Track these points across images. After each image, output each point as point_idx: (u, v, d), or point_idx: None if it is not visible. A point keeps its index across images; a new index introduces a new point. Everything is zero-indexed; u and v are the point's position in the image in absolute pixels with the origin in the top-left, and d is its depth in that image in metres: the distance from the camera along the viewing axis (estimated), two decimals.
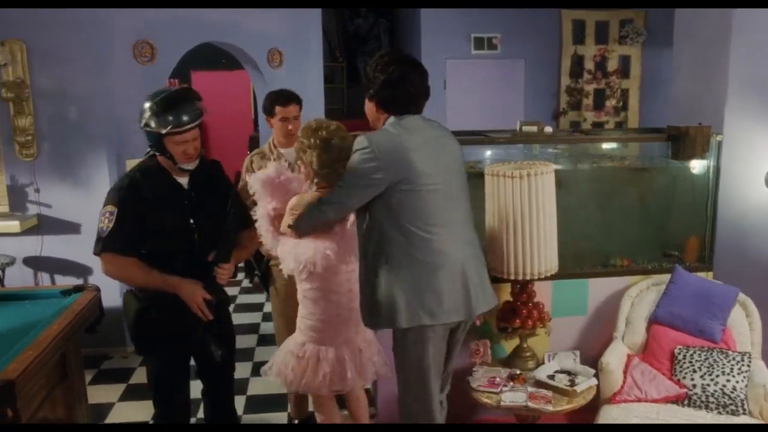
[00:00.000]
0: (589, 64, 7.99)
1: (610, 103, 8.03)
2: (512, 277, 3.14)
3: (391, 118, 2.62)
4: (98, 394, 4.15)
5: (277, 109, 3.58)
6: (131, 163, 4.74)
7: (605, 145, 4.11)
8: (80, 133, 4.64)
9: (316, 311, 2.91)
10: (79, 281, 4.73)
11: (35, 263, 4.76)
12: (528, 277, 3.12)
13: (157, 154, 2.72)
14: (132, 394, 4.25)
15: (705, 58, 3.96)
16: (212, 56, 7.03)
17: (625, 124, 8.03)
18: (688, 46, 4.14)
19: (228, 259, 2.77)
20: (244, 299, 6.12)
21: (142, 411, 3.96)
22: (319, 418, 3.15)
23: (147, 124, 2.65)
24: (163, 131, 2.60)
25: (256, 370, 4.52)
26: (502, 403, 2.99)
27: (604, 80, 7.99)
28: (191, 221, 2.75)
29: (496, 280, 3.23)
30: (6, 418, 2.39)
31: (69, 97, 4.59)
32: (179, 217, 2.74)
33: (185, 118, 2.61)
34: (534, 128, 3.69)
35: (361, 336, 2.99)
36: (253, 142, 6.65)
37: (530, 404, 2.94)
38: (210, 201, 2.80)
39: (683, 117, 3.96)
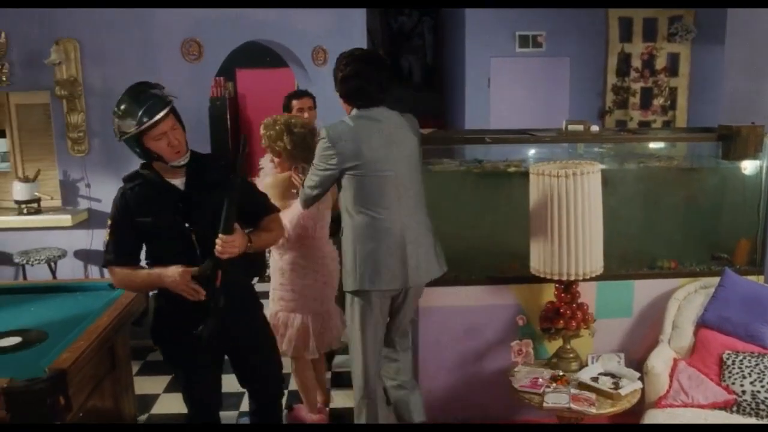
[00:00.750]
0: (636, 62, 7.85)
1: (658, 101, 7.88)
2: (556, 278, 3.11)
3: (354, 111, 2.95)
4: (144, 384, 4.23)
5: (294, 102, 4.29)
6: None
7: (652, 145, 4.03)
8: None
9: (285, 282, 3.40)
10: None
11: (85, 256, 4.88)
12: (572, 278, 3.09)
13: (147, 160, 2.58)
14: (176, 386, 4.31)
15: (758, 56, 3.85)
16: (257, 54, 7.12)
17: (673, 123, 7.87)
18: (740, 44, 4.04)
19: (228, 231, 2.45)
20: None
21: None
22: (295, 379, 3.65)
23: (121, 132, 2.49)
24: (135, 130, 2.44)
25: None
26: (544, 405, 2.96)
27: (651, 78, 7.84)
28: (186, 224, 2.55)
29: (539, 279, 3.21)
30: (59, 406, 2.46)
31: (119, 95, 4.65)
32: (171, 220, 2.55)
33: (155, 108, 2.43)
34: (580, 127, 3.64)
35: (326, 307, 3.47)
36: None
37: (573, 406, 2.91)
38: (209, 199, 2.55)
39: (734, 116, 3.87)
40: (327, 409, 3.94)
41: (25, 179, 4.74)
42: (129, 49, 4.65)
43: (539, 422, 3.49)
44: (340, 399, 4.14)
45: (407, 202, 2.94)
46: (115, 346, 3.33)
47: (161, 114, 2.43)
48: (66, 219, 4.63)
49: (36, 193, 4.75)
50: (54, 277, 4.70)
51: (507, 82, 7.76)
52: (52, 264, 4.67)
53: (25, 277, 4.80)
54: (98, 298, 3.38)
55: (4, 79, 4.62)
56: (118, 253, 2.58)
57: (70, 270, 4.79)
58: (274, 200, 2.99)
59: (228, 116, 8.41)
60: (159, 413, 3.98)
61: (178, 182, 2.59)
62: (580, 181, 2.98)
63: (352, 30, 6.03)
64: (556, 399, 2.97)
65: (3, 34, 4.59)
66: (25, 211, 4.72)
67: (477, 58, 7.45)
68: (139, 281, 2.61)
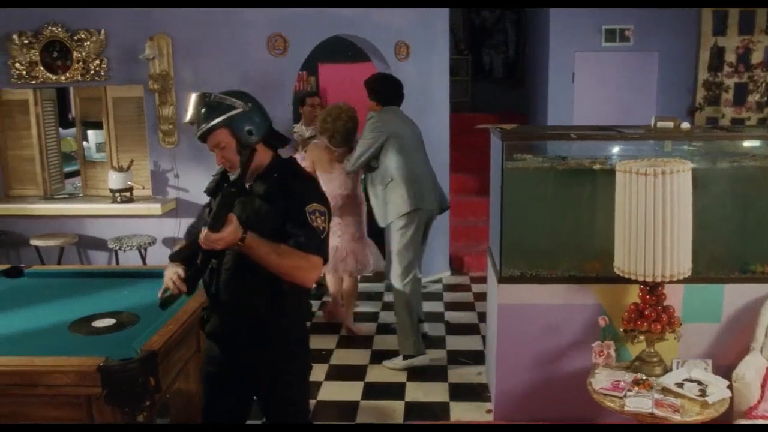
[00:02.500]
0: (730, 57, 7.50)
1: (753, 98, 7.50)
2: (641, 279, 3.02)
3: (382, 108, 4.49)
4: None
5: (307, 99, 5.83)
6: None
7: (747, 143, 3.86)
8: None
9: (337, 230, 4.73)
10: None
11: (173, 243, 5.07)
12: (658, 280, 2.99)
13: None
14: None
15: None
16: (339, 49, 7.19)
17: None
18: None
19: (215, 228, 2.21)
20: (364, 288, 6.24)
21: None
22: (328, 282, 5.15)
23: None
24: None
25: (375, 357, 4.62)
26: (626, 408, 2.89)
27: (746, 74, 7.47)
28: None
29: (623, 280, 3.12)
30: (149, 386, 2.57)
31: (208, 88, 4.78)
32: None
33: (198, 126, 2.35)
34: (670, 124, 3.52)
35: (361, 245, 4.91)
36: None
37: (657, 412, 2.83)
38: (265, 207, 2.37)
39: None
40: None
41: (120, 169, 4.97)
42: (217, 45, 4.79)
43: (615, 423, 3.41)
44: None
45: (421, 158, 4.55)
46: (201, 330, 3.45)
47: (197, 135, 2.36)
48: (156, 207, 4.82)
49: (129, 183, 4.97)
50: (144, 262, 4.91)
51: (592, 77, 7.56)
52: (143, 250, 4.88)
53: (117, 262, 5.04)
54: None
55: (102, 73, 4.86)
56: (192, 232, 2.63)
57: (158, 256, 4.99)
58: (321, 169, 4.68)
59: None
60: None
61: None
62: (669, 180, 2.88)
63: (435, 24, 6.02)
64: (639, 403, 2.89)
65: (102, 32, 4.82)
66: (118, 199, 4.95)
67: (561, 52, 7.30)
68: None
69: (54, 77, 4.92)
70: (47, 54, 4.87)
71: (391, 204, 4.42)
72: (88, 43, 4.82)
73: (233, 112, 2.33)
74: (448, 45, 6.30)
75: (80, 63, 4.84)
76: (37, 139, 5.30)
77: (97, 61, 4.83)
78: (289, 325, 2.54)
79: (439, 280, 6.39)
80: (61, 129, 6.18)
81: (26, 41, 4.86)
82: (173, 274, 2.40)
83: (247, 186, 2.42)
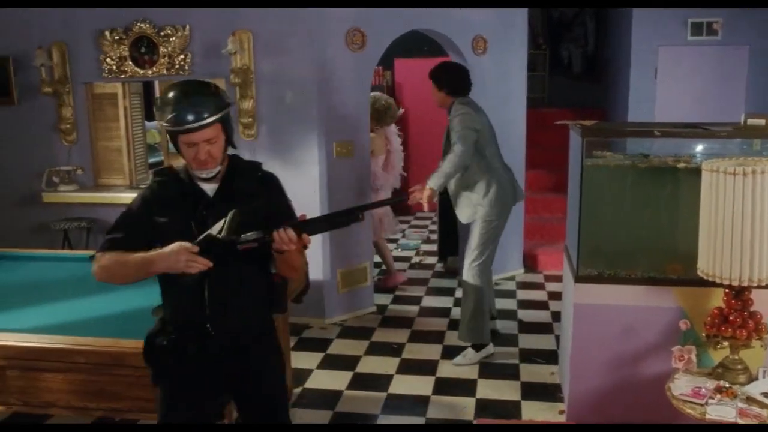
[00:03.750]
0: None
1: None
2: (726, 282, 2.90)
3: (459, 99, 4.41)
4: (299, 360, 4.46)
5: None
6: (339, 145, 5.05)
7: None
8: (294, 116, 4.97)
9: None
10: None
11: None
12: (745, 284, 2.86)
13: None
14: (329, 364, 4.51)
15: None
16: (416, 43, 7.19)
17: None
18: None
19: (309, 231, 2.17)
20: (435, 283, 6.24)
21: (337, 380, 4.21)
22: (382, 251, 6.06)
23: (161, 124, 2.23)
24: (166, 126, 2.19)
25: (446, 353, 4.62)
26: (707, 416, 2.78)
27: None
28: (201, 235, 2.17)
29: (706, 283, 3.01)
30: None
31: (286, 83, 4.94)
32: (186, 227, 2.21)
33: (189, 116, 2.13)
34: (761, 121, 3.36)
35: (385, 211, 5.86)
36: None
37: (741, 421, 2.72)
38: (255, 206, 2.25)
39: None
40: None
41: None
42: (297, 39, 4.87)
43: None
44: None
45: (497, 150, 4.52)
46: (275, 322, 3.52)
47: (192, 126, 2.14)
48: None
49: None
50: None
51: (676, 72, 7.30)
52: None
53: None
54: None
55: (186, 68, 5.01)
56: (120, 243, 2.25)
57: None
58: (378, 153, 5.82)
59: None
60: (312, 387, 4.17)
61: (209, 188, 2.29)
62: (759, 180, 2.75)
63: (513, 19, 5.94)
64: (721, 412, 2.78)
65: (187, 27, 4.97)
66: None
67: (643, 46, 7.08)
68: (130, 264, 2.19)
69: (141, 71, 5.12)
70: (135, 49, 5.06)
71: (476, 201, 4.39)
72: (174, 38, 4.98)
73: (227, 109, 2.25)
74: (526, 39, 6.20)
75: (166, 58, 5.01)
76: (124, 130, 5.52)
77: (182, 56, 5.00)
78: (272, 320, 2.51)
79: (512, 278, 6.32)
80: (146, 122, 6.43)
81: (117, 37, 5.07)
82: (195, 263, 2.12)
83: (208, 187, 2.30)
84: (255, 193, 2.30)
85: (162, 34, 5.00)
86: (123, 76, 5.16)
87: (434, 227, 8.20)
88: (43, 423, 3.63)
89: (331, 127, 5.00)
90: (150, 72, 5.10)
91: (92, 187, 5.53)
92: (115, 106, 5.42)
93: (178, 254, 2.09)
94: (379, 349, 4.71)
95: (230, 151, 2.34)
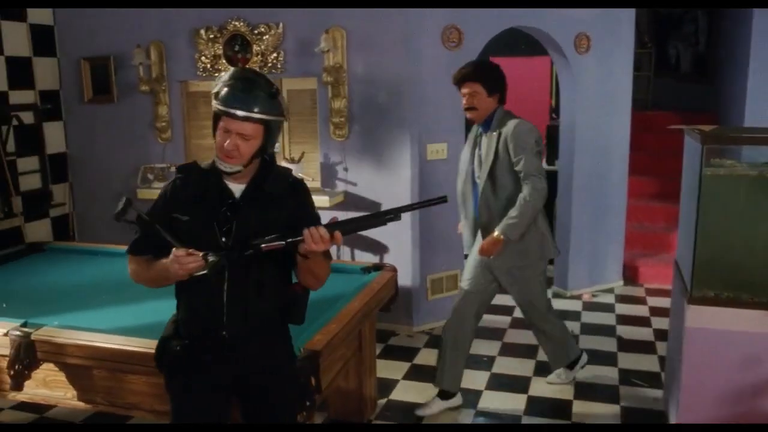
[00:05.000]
0: None
1: None
2: None
3: (501, 108, 3.64)
4: (385, 369, 4.30)
5: None
6: (432, 148, 4.87)
7: None
8: (387, 116, 4.83)
9: None
10: (376, 258, 4.97)
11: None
12: None
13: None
14: (415, 374, 4.34)
15: None
16: (512, 42, 6.92)
17: None
18: None
19: (341, 230, 2.12)
20: None
21: (423, 393, 4.03)
22: None
23: (214, 94, 2.14)
24: (214, 103, 2.12)
25: (539, 369, 4.36)
26: None
27: None
28: (222, 238, 2.14)
29: None
30: (310, 387, 2.53)
31: (379, 82, 4.81)
32: (207, 228, 2.15)
33: (239, 102, 2.05)
34: None
35: None
36: (552, 132, 6.41)
37: None
38: (260, 217, 2.16)
39: None
40: None
41: (291, 160, 5.05)
42: (391, 37, 4.72)
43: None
44: None
45: None
46: (362, 329, 3.39)
47: (236, 111, 2.05)
48: (324, 200, 4.85)
49: (299, 174, 5.03)
50: None
51: None
52: None
53: None
54: (350, 281, 3.46)
55: (279, 66, 4.95)
56: (144, 244, 2.22)
57: None
58: None
59: None
60: (398, 399, 4.01)
61: (237, 188, 2.20)
62: None
63: (619, 15, 5.58)
64: None
65: (281, 25, 4.91)
66: None
67: (765, 44, 6.52)
68: (152, 273, 2.19)
69: None
70: (229, 47, 5.04)
71: (532, 244, 3.64)
72: (267, 36, 4.93)
73: (279, 119, 2.16)
74: (633, 37, 5.82)
75: (259, 56, 4.97)
76: None
77: (275, 54, 4.94)
78: (288, 330, 2.42)
79: (610, 290, 5.96)
80: None
81: (211, 36, 5.07)
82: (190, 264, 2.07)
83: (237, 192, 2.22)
84: (283, 198, 2.22)
85: (255, 32, 4.96)
86: (217, 74, 5.16)
87: None
88: (124, 423, 3.64)
89: (424, 128, 4.82)
90: None
91: None
92: (208, 105, 5.36)
93: (173, 265, 2.07)
94: (468, 362, 4.49)
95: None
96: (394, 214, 2.17)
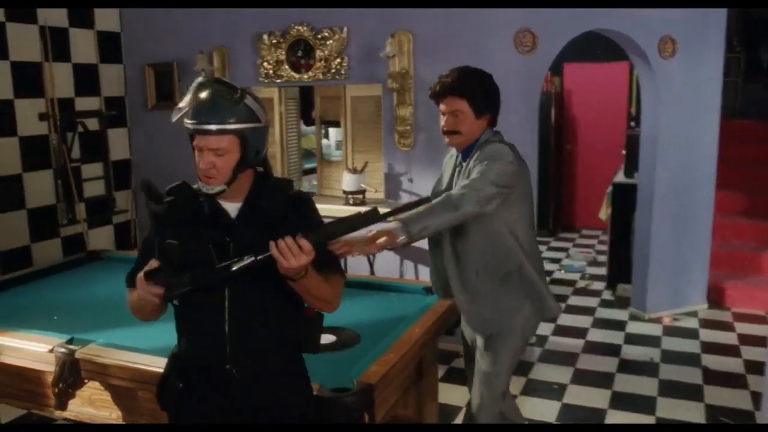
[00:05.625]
0: None
1: None
2: None
3: (489, 131, 2.75)
4: (447, 393, 4.03)
5: None
6: None
7: None
8: None
9: None
10: None
11: (402, 252, 4.86)
12: None
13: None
14: None
15: None
16: (587, 47, 6.57)
17: None
18: None
19: (313, 240, 1.82)
20: (603, 314, 5.58)
21: None
22: None
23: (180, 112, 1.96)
24: (174, 119, 1.94)
25: (615, 401, 4.00)
26: None
27: None
28: (219, 262, 1.88)
29: None
30: (362, 420, 2.31)
31: None
32: (200, 252, 1.92)
33: (199, 116, 1.86)
34: None
35: None
36: (631, 142, 6.00)
37: None
38: (259, 236, 1.85)
39: None
40: None
41: (354, 170, 4.86)
42: (460, 41, 4.48)
43: None
44: None
45: None
46: (424, 356, 3.14)
47: (205, 126, 1.86)
48: (385, 212, 4.63)
49: (362, 185, 4.85)
50: (372, 271, 4.74)
51: None
52: (371, 257, 4.71)
53: (345, 269, 4.93)
54: (412, 302, 3.22)
55: (342, 72, 4.77)
56: (135, 273, 1.99)
57: (385, 264, 4.80)
58: None
59: (552, 114, 7.96)
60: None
61: (232, 207, 1.98)
62: None
63: (708, 16, 5.17)
64: None
65: (345, 29, 4.73)
66: (351, 201, 4.84)
67: None
68: (132, 303, 2.03)
69: (297, 76, 4.95)
70: (292, 53, 4.90)
71: (512, 303, 2.77)
72: (331, 41, 4.76)
73: (256, 125, 1.92)
74: (723, 40, 5.39)
75: (322, 62, 4.80)
76: (279, 136, 5.41)
77: (338, 60, 4.76)
78: (302, 361, 2.15)
79: (693, 313, 5.51)
80: (305, 127, 6.34)
81: (274, 41, 4.94)
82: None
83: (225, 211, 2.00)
84: (284, 215, 1.97)
85: (319, 36, 4.79)
86: (279, 80, 5.02)
87: (602, 247, 7.49)
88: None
89: None
90: (306, 76, 4.91)
91: None
92: (270, 111, 5.31)
93: (138, 288, 1.89)
94: (537, 389, 4.19)
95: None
96: (381, 215, 1.97)
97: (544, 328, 5.14)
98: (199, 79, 2.00)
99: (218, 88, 1.92)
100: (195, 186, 2.02)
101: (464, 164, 2.71)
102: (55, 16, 5.09)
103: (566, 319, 5.39)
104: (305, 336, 2.06)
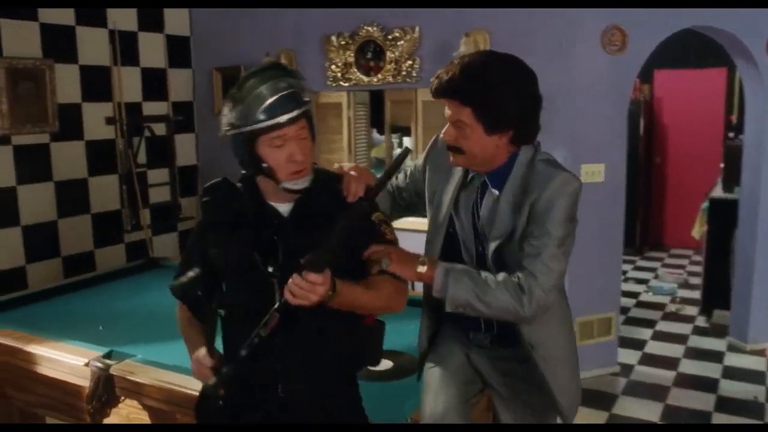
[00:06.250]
0: None
1: None
2: None
3: (529, 150, 1.94)
4: None
5: None
6: (587, 168, 4.17)
7: None
8: None
9: None
10: None
11: None
12: None
13: (251, 172, 1.78)
14: None
15: None
16: (680, 52, 6.09)
17: None
18: None
19: (319, 267, 1.56)
20: (697, 342, 5.04)
21: None
22: None
23: (229, 124, 1.70)
24: (248, 126, 1.66)
25: None
26: None
27: None
28: (269, 268, 1.72)
29: None
30: None
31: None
32: (247, 259, 1.73)
33: (279, 104, 1.64)
34: None
35: None
36: (731, 153, 5.45)
37: None
38: (313, 237, 1.63)
39: None
40: None
41: None
42: (541, 40, 4.12)
43: None
44: None
45: None
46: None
47: (291, 114, 1.66)
48: None
49: None
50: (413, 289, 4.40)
51: None
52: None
53: (413, 287, 4.62)
54: None
55: (413, 74, 4.49)
56: (182, 284, 1.91)
57: None
58: None
59: (641, 123, 7.44)
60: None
61: (284, 208, 1.77)
62: None
63: None
64: None
65: (417, 29, 4.45)
66: None
67: None
68: (185, 338, 1.92)
69: (366, 79, 4.69)
70: (361, 55, 4.65)
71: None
72: (402, 42, 4.48)
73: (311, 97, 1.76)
74: None
75: (392, 64, 4.53)
76: (347, 143, 5.18)
77: (410, 62, 4.47)
78: (355, 376, 1.92)
79: (761, 352, 4.85)
80: (377, 135, 6.08)
81: (343, 42, 4.71)
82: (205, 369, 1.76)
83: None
84: (332, 214, 1.71)
85: (390, 37, 4.53)
86: (347, 84, 4.78)
87: (695, 268, 6.91)
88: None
89: (578, 145, 4.14)
90: (375, 79, 4.65)
91: None
92: (338, 117, 5.09)
93: (192, 363, 1.80)
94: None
95: None
96: (365, 204, 1.73)
97: (630, 357, 4.67)
98: (252, 75, 1.72)
99: (277, 73, 1.71)
100: (237, 184, 1.84)
101: (496, 193, 1.93)
102: (125, 20, 5.02)
103: (654, 347, 4.89)
104: (367, 348, 1.86)
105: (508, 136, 1.87)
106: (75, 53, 4.74)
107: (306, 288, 1.55)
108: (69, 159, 4.76)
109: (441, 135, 1.98)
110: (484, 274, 1.87)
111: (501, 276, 1.85)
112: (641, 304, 5.91)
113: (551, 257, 1.84)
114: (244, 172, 1.81)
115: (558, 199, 1.84)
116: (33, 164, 4.57)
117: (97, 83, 4.88)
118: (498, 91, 1.82)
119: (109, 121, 4.97)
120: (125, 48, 5.02)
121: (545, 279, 1.83)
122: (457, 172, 2.04)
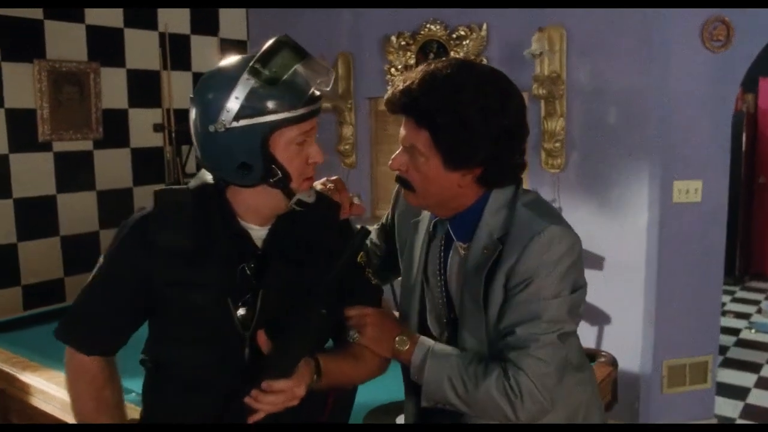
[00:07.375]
0: None
1: None
2: None
3: (508, 191, 1.47)
4: None
5: None
6: (681, 185, 3.59)
7: None
8: (619, 142, 3.67)
9: None
10: (591, 332, 3.78)
11: None
12: None
13: (247, 182, 1.31)
14: None
15: None
16: None
17: None
18: None
19: (285, 371, 1.22)
20: (737, 354, 4.32)
21: None
22: None
23: (238, 116, 1.26)
24: (264, 119, 1.25)
25: None
26: None
27: None
28: (239, 312, 1.32)
29: None
30: None
31: (607, 95, 3.68)
32: (217, 312, 1.31)
33: (302, 88, 1.28)
34: None
35: None
36: None
37: None
38: (293, 273, 1.34)
39: None
40: None
41: None
42: (627, 38, 3.59)
43: None
44: None
45: None
46: None
47: (317, 105, 1.32)
48: None
49: None
50: None
51: None
52: None
53: None
54: None
55: None
56: (87, 328, 1.39)
57: None
58: None
59: (744, 138, 6.68)
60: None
61: (259, 232, 1.37)
62: None
63: None
64: None
65: (484, 27, 3.99)
66: None
67: None
68: (89, 405, 1.40)
69: None
70: (423, 56, 4.21)
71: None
72: (468, 41, 4.02)
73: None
74: None
75: None
76: None
77: None
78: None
79: None
80: None
81: (403, 42, 4.29)
82: None
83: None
84: (331, 248, 1.37)
85: (454, 36, 4.07)
86: None
87: None
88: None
89: (670, 158, 3.56)
90: None
91: (368, 218, 4.82)
92: (398, 125, 4.64)
93: None
94: None
95: None
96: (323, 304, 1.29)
97: (730, 408, 4.01)
98: (283, 48, 1.35)
99: (288, 44, 1.34)
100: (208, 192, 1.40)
101: (459, 246, 1.50)
102: (177, 22, 4.78)
103: (759, 397, 4.20)
104: (336, 412, 1.47)
105: (474, 175, 1.42)
106: (122, 56, 4.53)
107: (278, 401, 1.21)
108: (113, 167, 4.55)
109: (389, 161, 1.50)
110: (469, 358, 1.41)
111: (492, 369, 1.37)
112: (742, 343, 5.19)
113: (543, 347, 1.35)
114: (223, 180, 1.36)
115: (545, 267, 1.36)
116: (74, 172, 4.38)
117: (145, 88, 4.66)
118: (465, 113, 1.34)
119: (157, 128, 4.73)
120: (176, 51, 4.78)
121: (541, 377, 1.34)
122: (425, 218, 1.59)
